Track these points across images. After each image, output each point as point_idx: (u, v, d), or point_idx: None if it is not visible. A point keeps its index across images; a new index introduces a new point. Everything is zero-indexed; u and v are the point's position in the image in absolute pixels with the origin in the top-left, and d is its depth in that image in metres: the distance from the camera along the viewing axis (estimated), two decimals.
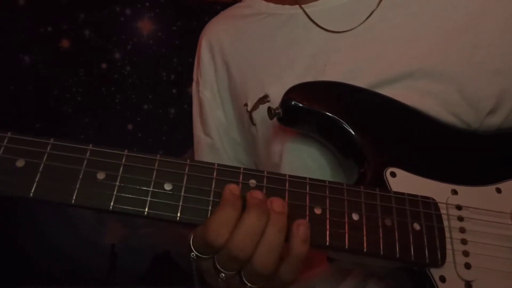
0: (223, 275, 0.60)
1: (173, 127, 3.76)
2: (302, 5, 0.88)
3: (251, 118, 0.82)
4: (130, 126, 3.79)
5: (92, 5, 3.76)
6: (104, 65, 3.80)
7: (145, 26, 3.87)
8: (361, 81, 0.76)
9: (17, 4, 3.65)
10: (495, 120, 0.77)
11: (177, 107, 3.77)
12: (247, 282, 0.60)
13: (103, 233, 3.61)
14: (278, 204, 0.59)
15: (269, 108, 0.73)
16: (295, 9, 0.89)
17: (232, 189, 0.58)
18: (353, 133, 0.71)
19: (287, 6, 0.90)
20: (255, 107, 0.78)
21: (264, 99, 0.76)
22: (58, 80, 3.71)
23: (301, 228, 0.58)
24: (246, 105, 0.84)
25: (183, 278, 3.39)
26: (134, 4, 3.85)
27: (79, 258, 3.52)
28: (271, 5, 0.93)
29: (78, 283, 3.49)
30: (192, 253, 0.60)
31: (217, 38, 0.95)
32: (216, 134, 0.94)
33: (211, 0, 3.76)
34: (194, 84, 1.00)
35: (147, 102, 3.82)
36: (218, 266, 0.60)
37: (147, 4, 3.87)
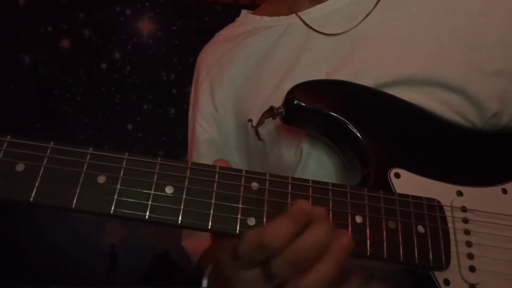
0: (277, 281, 0.57)
1: (173, 127, 3.77)
2: (299, 13, 0.87)
3: (257, 133, 0.81)
4: (130, 126, 3.79)
5: (92, 5, 3.77)
6: (104, 65, 3.81)
7: (145, 26, 3.87)
8: (363, 83, 0.76)
9: (17, 4, 3.65)
10: (501, 118, 0.76)
11: (177, 107, 3.77)
12: None
13: (103, 234, 3.62)
14: (346, 240, 0.56)
15: (271, 108, 0.73)
16: (292, 19, 0.88)
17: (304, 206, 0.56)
18: (356, 132, 0.70)
19: (282, 17, 0.90)
20: (261, 122, 0.77)
21: (268, 113, 0.75)
22: (58, 80, 3.72)
23: (345, 240, 0.56)
24: (250, 120, 0.83)
25: (183, 278, 3.39)
26: (134, 4, 3.85)
27: (79, 258, 3.53)
28: (266, 18, 0.92)
29: (78, 283, 3.50)
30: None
31: (215, 58, 0.94)
32: (207, 161, 0.93)
33: (211, 0, 3.76)
34: (190, 107, 0.99)
35: (147, 102, 3.82)
36: (273, 271, 0.58)
37: (147, 4, 3.88)
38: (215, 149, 0.93)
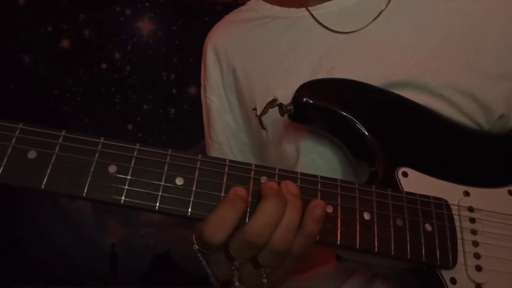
0: (236, 263, 0.60)
1: (173, 127, 3.76)
2: (308, 8, 0.87)
3: (260, 122, 0.82)
4: (130, 126, 3.78)
5: (92, 5, 3.76)
6: (104, 65, 3.80)
7: (145, 26, 3.86)
8: None
9: (17, 4, 3.64)
10: (507, 123, 0.77)
11: (177, 107, 3.76)
12: (262, 265, 0.60)
13: (103, 233, 3.61)
14: (293, 187, 0.60)
15: (280, 105, 0.73)
16: (301, 12, 0.88)
17: (239, 191, 0.59)
18: (365, 131, 0.70)
19: (292, 9, 0.90)
20: (265, 111, 0.78)
21: (273, 102, 0.75)
22: (58, 80, 3.70)
23: (317, 211, 0.59)
24: (255, 109, 0.84)
25: (183, 278, 3.38)
26: (134, 4, 3.84)
27: (79, 258, 3.51)
28: (276, 8, 0.92)
29: (78, 283, 3.49)
30: (195, 246, 0.60)
31: (222, 43, 0.94)
32: (224, 139, 0.94)
33: (211, 0, 3.76)
34: (202, 89, 1.00)
35: (147, 102, 3.81)
36: (232, 254, 0.59)
37: (147, 4, 3.87)
38: (230, 132, 0.94)
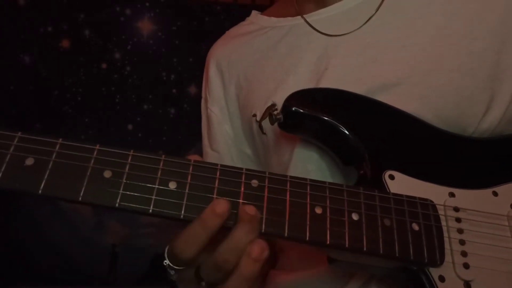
0: (204, 283, 0.62)
1: (173, 127, 3.77)
2: (304, 15, 0.90)
3: (260, 127, 0.84)
4: (130, 126, 3.80)
5: (92, 5, 3.77)
6: (104, 65, 3.81)
7: (145, 26, 3.87)
8: (359, 85, 0.78)
9: (17, 4, 3.66)
10: (489, 124, 0.78)
11: (177, 107, 3.77)
12: None
13: (103, 234, 3.62)
14: (256, 250, 0.59)
15: (270, 114, 0.75)
16: (297, 20, 0.92)
17: (217, 208, 0.59)
18: (352, 137, 0.72)
19: (288, 18, 0.94)
20: (264, 116, 0.80)
21: (272, 107, 0.78)
22: (58, 80, 3.72)
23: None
24: (255, 115, 0.86)
25: None
26: (134, 4, 3.86)
27: (79, 258, 3.53)
28: (273, 19, 0.97)
29: (78, 283, 3.50)
30: (165, 262, 0.62)
31: (224, 55, 0.98)
32: (225, 148, 0.97)
33: (211, 0, 3.77)
34: (202, 101, 1.03)
35: (147, 102, 3.82)
36: (201, 275, 0.62)
37: (147, 4, 3.88)
38: (231, 141, 0.97)
